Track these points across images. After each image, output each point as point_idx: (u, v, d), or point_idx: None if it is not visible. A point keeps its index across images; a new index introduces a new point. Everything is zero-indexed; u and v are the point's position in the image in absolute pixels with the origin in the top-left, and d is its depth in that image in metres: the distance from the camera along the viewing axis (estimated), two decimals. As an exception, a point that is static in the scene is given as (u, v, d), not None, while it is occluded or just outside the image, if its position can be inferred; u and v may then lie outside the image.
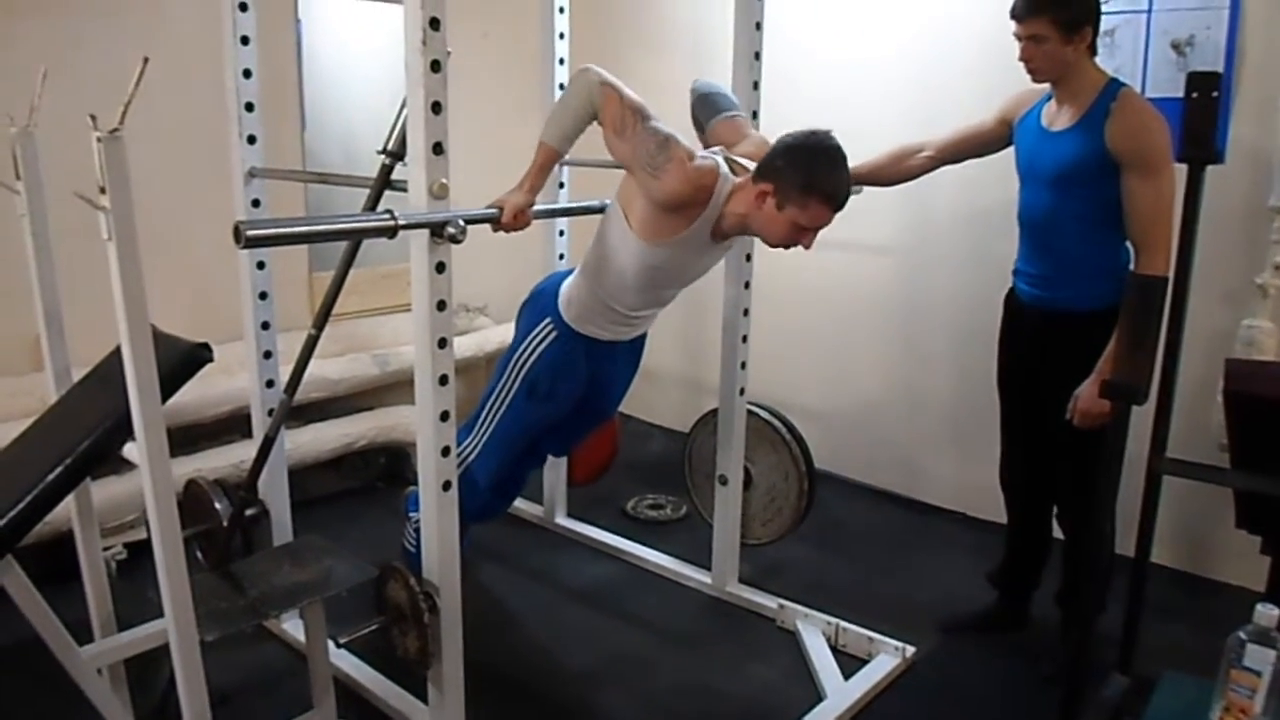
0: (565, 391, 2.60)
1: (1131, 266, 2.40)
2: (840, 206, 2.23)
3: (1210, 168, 2.01)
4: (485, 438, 2.61)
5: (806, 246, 2.28)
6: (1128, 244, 2.42)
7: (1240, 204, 2.95)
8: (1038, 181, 2.53)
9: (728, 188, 2.27)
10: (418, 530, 2.74)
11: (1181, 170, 2.04)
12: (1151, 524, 2.08)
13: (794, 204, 2.18)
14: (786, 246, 2.29)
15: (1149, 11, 3.05)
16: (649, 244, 2.31)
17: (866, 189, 3.11)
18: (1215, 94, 1.96)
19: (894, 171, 2.85)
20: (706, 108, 2.62)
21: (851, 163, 2.88)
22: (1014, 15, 2.41)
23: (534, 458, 2.88)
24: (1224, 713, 1.58)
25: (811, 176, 2.17)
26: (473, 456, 2.61)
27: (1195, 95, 1.97)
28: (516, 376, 2.57)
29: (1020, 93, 2.61)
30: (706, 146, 2.55)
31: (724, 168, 2.28)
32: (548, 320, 2.54)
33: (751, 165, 2.33)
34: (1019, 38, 2.41)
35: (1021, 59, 2.43)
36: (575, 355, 2.55)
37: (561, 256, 3.34)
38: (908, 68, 3.63)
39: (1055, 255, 2.55)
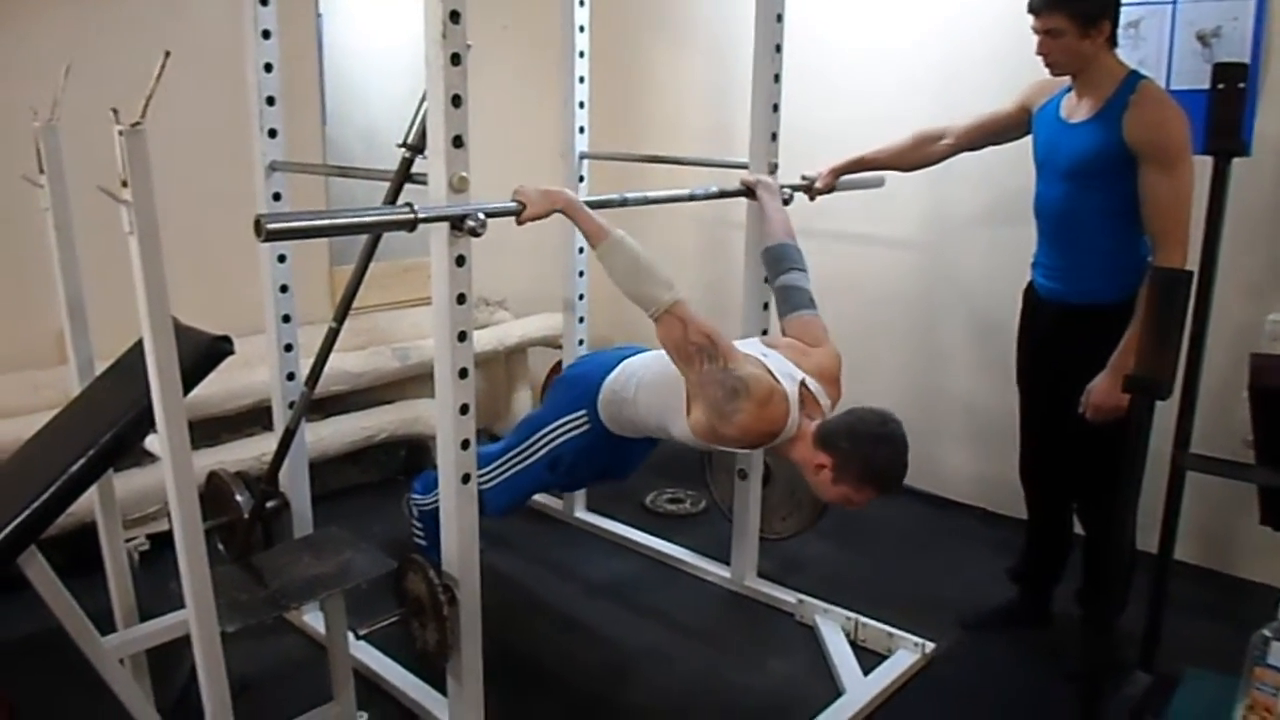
0: (585, 471, 2.65)
1: (1150, 260, 2.39)
2: (892, 493, 2.20)
3: (1236, 160, 1.99)
4: (500, 480, 2.61)
5: (850, 509, 2.27)
6: (1145, 237, 2.40)
7: (1266, 197, 2.92)
8: (1055, 173, 2.52)
9: (792, 433, 2.21)
10: (421, 518, 2.75)
11: (1207, 163, 2.02)
12: (1175, 520, 2.07)
13: (849, 485, 2.16)
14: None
15: (1174, 3, 3.02)
16: (701, 439, 2.29)
17: (889, 182, 3.10)
18: (1241, 85, 1.95)
19: (915, 157, 2.85)
20: (786, 302, 2.52)
21: (871, 149, 2.89)
22: (1031, 9, 2.39)
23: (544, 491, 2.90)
24: (1248, 711, 1.57)
25: (871, 468, 2.14)
26: (485, 488, 2.61)
27: (1221, 87, 1.96)
28: (541, 448, 2.56)
29: (1042, 81, 2.59)
30: (784, 333, 2.49)
31: (794, 409, 2.19)
32: (583, 413, 2.51)
33: (823, 395, 2.29)
34: (1036, 31, 2.40)
35: (1039, 53, 2.42)
36: (601, 445, 2.54)
37: (581, 250, 3.34)
38: (927, 58, 3.60)
39: (1072, 248, 2.54)
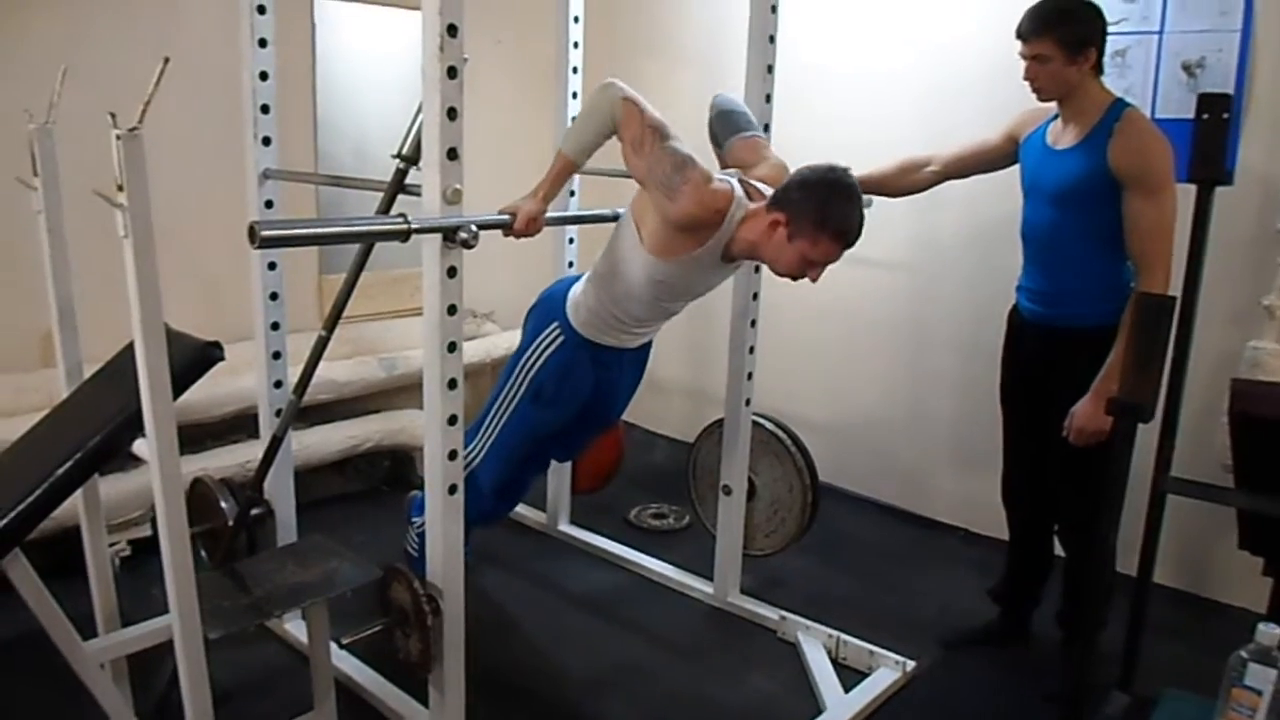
0: (570, 396, 2.60)
1: (1133, 285, 2.42)
2: (850, 244, 2.23)
3: (1219, 189, 2.02)
4: (490, 442, 2.61)
5: (813, 279, 2.28)
6: (1129, 263, 2.43)
7: (1248, 226, 2.96)
8: (1041, 198, 2.55)
9: (741, 212, 2.27)
10: (420, 535, 2.74)
11: (1190, 191, 2.05)
12: (1155, 542, 2.09)
13: (805, 237, 2.19)
14: (794, 278, 2.29)
15: (1160, 33, 3.06)
16: (658, 259, 2.32)
17: (875, 203, 3.13)
18: (1225, 115, 1.98)
19: (900, 183, 2.88)
20: (725, 125, 2.61)
21: (858, 172, 2.91)
22: (1019, 35, 2.43)
23: (538, 463, 2.88)
24: (1224, 732, 1.58)
25: (825, 212, 2.17)
26: (477, 461, 2.62)
27: (1206, 116, 1.99)
28: (522, 381, 2.57)
29: (1028, 111, 2.63)
30: (724, 165, 2.56)
31: (739, 191, 2.28)
32: (555, 325, 2.55)
33: (767, 190, 2.33)
34: (1024, 57, 2.43)
35: (1026, 78, 2.45)
36: (581, 360, 2.55)
37: (571, 264, 3.36)
38: (917, 84, 3.64)
39: (1057, 272, 2.57)
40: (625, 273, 2.40)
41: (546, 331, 2.56)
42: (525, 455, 2.69)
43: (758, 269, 2.87)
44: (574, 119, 2.33)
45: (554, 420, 2.63)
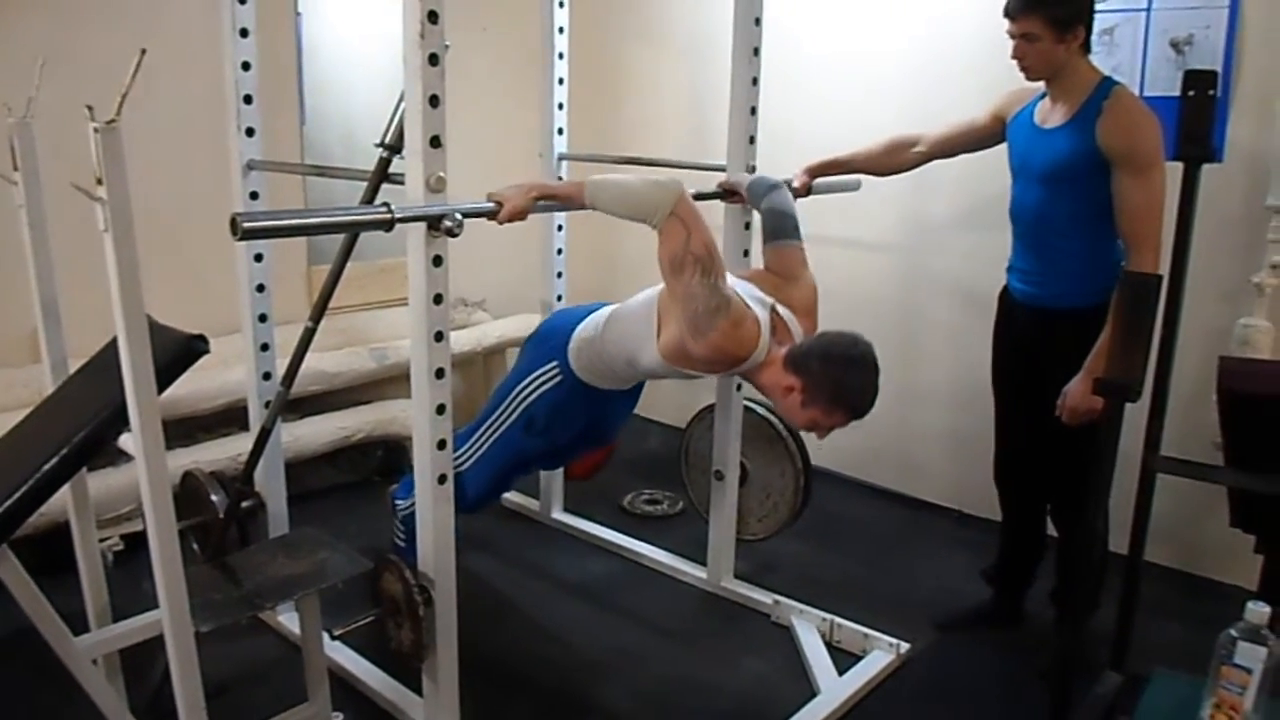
0: (561, 430, 2.60)
1: (1123, 264, 2.41)
2: (862, 416, 2.21)
3: (1207, 167, 2.01)
4: (478, 455, 2.61)
5: (819, 439, 2.28)
6: (1119, 242, 2.43)
7: (1237, 203, 2.96)
8: (1030, 178, 2.54)
9: (763, 356, 2.22)
10: (405, 519, 2.75)
11: (1178, 169, 2.04)
12: (1145, 522, 2.09)
13: (819, 407, 2.18)
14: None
15: (1148, 10, 3.05)
16: (669, 364, 2.30)
17: (864, 186, 3.12)
18: (1212, 92, 1.97)
19: (888, 162, 2.88)
20: (772, 226, 2.54)
21: (845, 151, 2.91)
22: (1007, 13, 2.42)
23: (524, 473, 2.88)
24: (1215, 710, 1.58)
25: (842, 389, 2.16)
26: (464, 467, 2.61)
27: (1192, 94, 1.98)
28: (515, 409, 2.55)
29: (1015, 90, 2.62)
30: (765, 262, 2.51)
31: (765, 335, 2.21)
32: (554, 364, 2.51)
33: (794, 324, 2.30)
34: (1012, 35, 2.42)
35: (1014, 57, 2.44)
36: (576, 400, 2.53)
37: (560, 251, 3.35)
38: (905, 65, 3.63)
39: (1047, 252, 2.56)
40: (632, 349, 2.37)
41: (545, 368, 2.53)
42: (510, 470, 2.69)
43: (746, 253, 2.86)
44: (623, 175, 2.20)
45: (543, 446, 2.63)
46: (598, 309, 2.55)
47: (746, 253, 2.87)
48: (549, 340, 2.58)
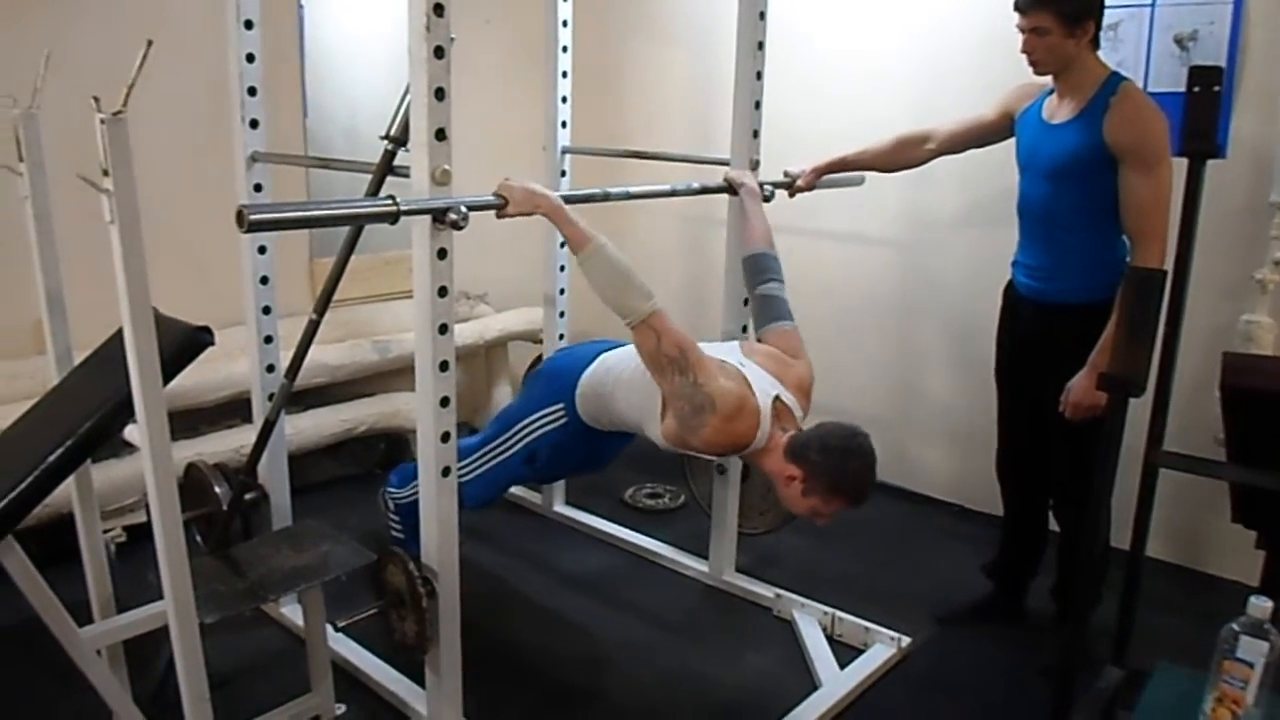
0: (561, 465, 2.66)
1: (1129, 259, 2.41)
2: (860, 504, 2.23)
3: (1211, 162, 2.01)
4: (478, 472, 2.61)
5: (819, 525, 2.29)
6: (1125, 238, 2.43)
7: (1241, 199, 2.96)
8: (1037, 173, 2.54)
9: (761, 444, 2.23)
10: (399, 510, 2.75)
11: (1182, 164, 2.04)
12: (1147, 517, 2.09)
13: (819, 496, 2.19)
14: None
15: (1153, 6, 3.05)
16: (672, 445, 2.30)
17: (869, 181, 3.12)
18: (1216, 88, 1.96)
19: (897, 159, 2.88)
20: (764, 311, 2.54)
21: (855, 149, 2.91)
22: (1017, 7, 2.42)
23: (520, 484, 2.88)
24: (1216, 704, 1.59)
25: (840, 479, 2.17)
26: (463, 480, 2.60)
27: (1197, 89, 1.97)
28: (518, 441, 2.56)
29: (1022, 85, 2.62)
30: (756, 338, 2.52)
31: (765, 422, 2.21)
32: (560, 406, 2.51)
33: (796, 408, 2.31)
34: (1022, 30, 2.42)
35: (1024, 51, 2.44)
36: (578, 440, 2.54)
37: (563, 244, 3.34)
38: (911, 59, 3.62)
39: (1053, 247, 2.56)
40: (641, 421, 2.37)
41: (551, 409, 2.52)
42: (507, 485, 2.74)
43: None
44: (623, 261, 2.15)
45: (542, 477, 2.70)
46: (605, 350, 2.53)
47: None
48: (555, 381, 2.57)
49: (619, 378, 2.42)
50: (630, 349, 2.45)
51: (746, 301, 2.89)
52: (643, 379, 2.30)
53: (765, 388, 2.25)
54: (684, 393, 2.13)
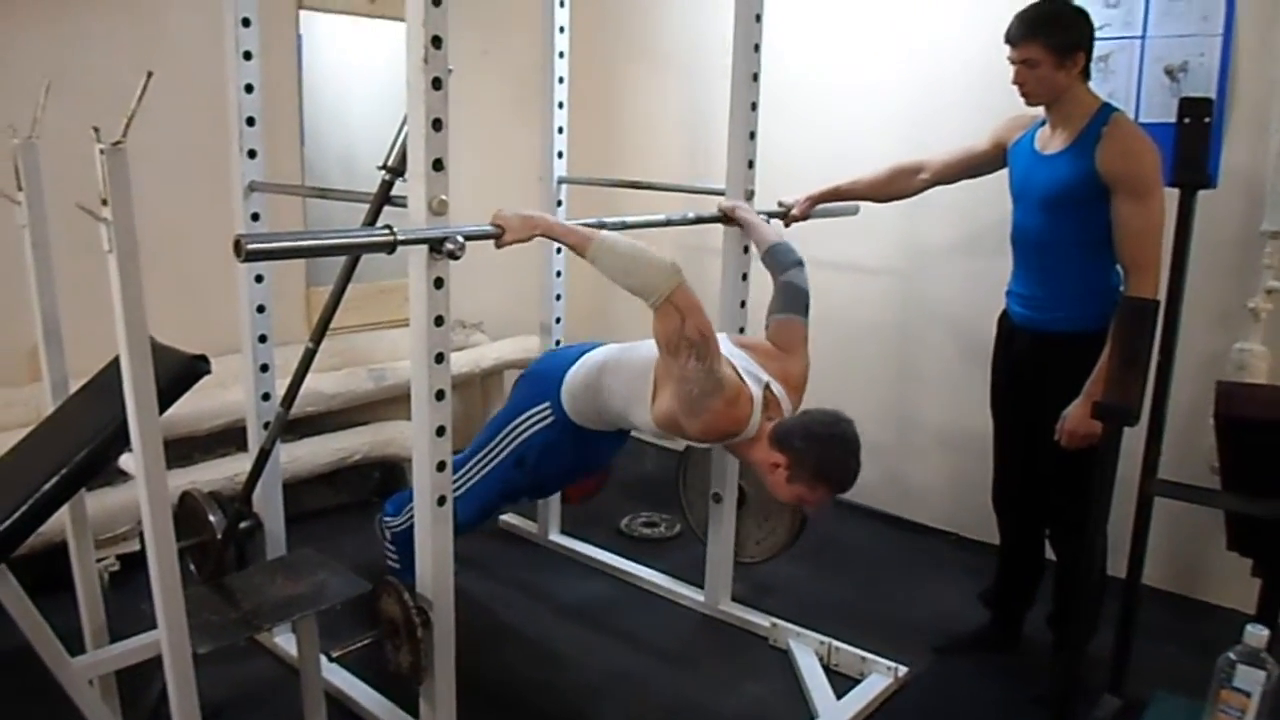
0: (551, 467, 2.62)
1: (1122, 289, 2.43)
2: (845, 491, 2.25)
3: (1203, 193, 2.03)
4: (469, 485, 2.62)
5: (808, 513, 2.32)
6: (1118, 267, 2.45)
7: (1232, 228, 2.98)
8: (1030, 203, 2.56)
9: (751, 434, 2.26)
10: (395, 539, 2.74)
11: (1174, 195, 2.06)
12: (1143, 545, 2.10)
13: (803, 483, 2.21)
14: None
15: (1143, 37, 3.08)
16: (660, 429, 2.32)
17: (863, 210, 3.14)
18: (1207, 119, 1.99)
19: (891, 189, 2.91)
20: (781, 296, 2.57)
21: (848, 179, 2.93)
22: (1008, 39, 2.44)
23: (512, 503, 2.88)
24: (1214, 733, 1.59)
25: (825, 466, 2.19)
26: (457, 494, 2.60)
27: (1187, 120, 2.00)
28: (507, 446, 2.57)
29: (1015, 117, 2.65)
30: (767, 331, 2.55)
31: (757, 410, 2.24)
32: (547, 405, 2.53)
33: (785, 400, 2.34)
34: (1013, 61, 2.45)
35: (1015, 82, 2.47)
36: (566, 440, 2.55)
37: (559, 274, 3.36)
38: (903, 91, 3.65)
39: (1047, 277, 2.58)
40: (628, 410, 2.39)
41: (538, 409, 2.54)
42: (500, 499, 2.72)
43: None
44: (628, 243, 2.19)
45: (532, 481, 2.65)
46: (591, 349, 2.56)
47: (745, 276, 2.87)
48: (542, 380, 2.59)
49: (604, 366, 2.45)
50: (616, 346, 2.50)
51: (742, 329, 2.90)
52: (631, 366, 2.34)
53: (755, 374, 2.29)
54: (696, 376, 2.14)
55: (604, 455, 2.76)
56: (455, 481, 2.58)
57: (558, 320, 3.43)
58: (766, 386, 2.29)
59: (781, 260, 2.64)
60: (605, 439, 2.62)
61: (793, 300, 2.57)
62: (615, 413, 2.43)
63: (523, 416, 2.55)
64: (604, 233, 2.20)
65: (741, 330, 2.88)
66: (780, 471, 2.21)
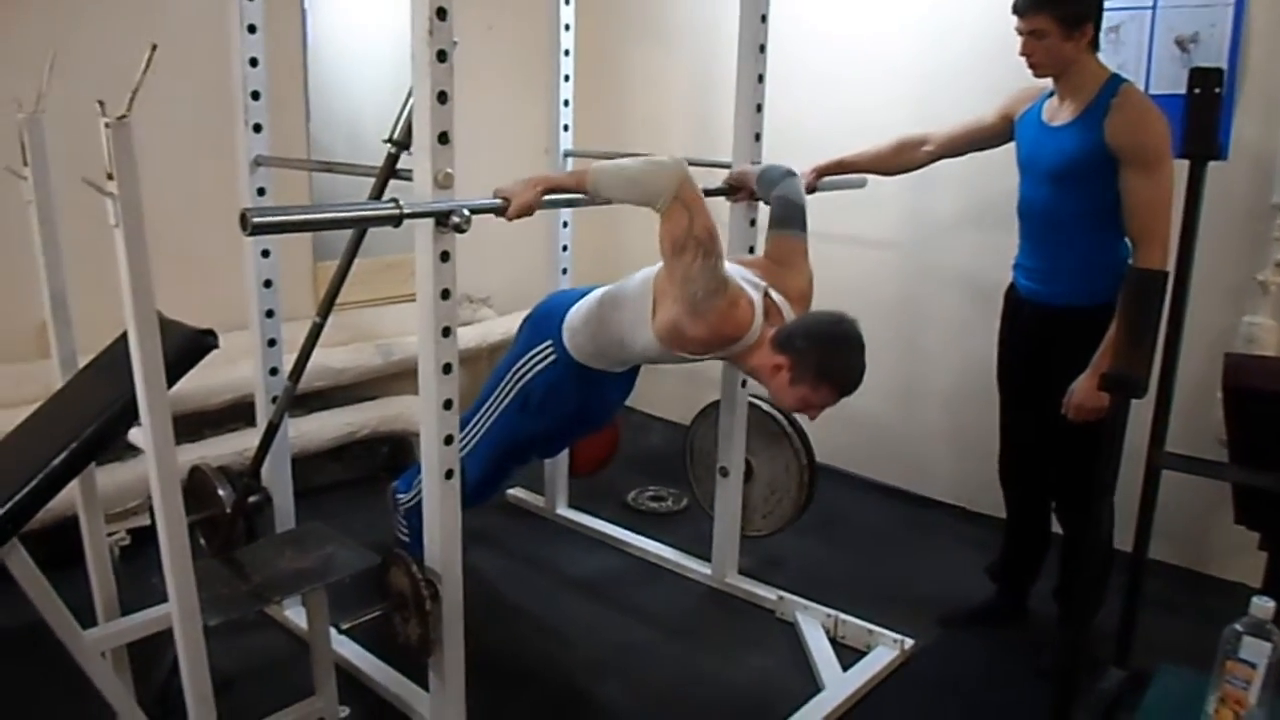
0: (556, 409, 2.61)
1: (1130, 261, 2.41)
2: (849, 394, 2.23)
3: (1213, 164, 2.02)
4: (477, 437, 2.63)
5: (810, 419, 2.31)
6: (1127, 240, 2.43)
7: (1242, 201, 2.96)
8: (1037, 176, 2.54)
9: (754, 338, 2.25)
10: (407, 515, 2.76)
11: (1183, 166, 2.05)
12: (1150, 518, 2.09)
13: (806, 385, 2.20)
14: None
15: (1154, 8, 3.05)
16: (662, 346, 2.31)
17: (869, 183, 3.13)
18: (1218, 90, 1.97)
19: (897, 162, 2.89)
20: (779, 213, 2.56)
21: (855, 151, 2.92)
22: (1015, 10, 2.42)
23: (521, 460, 2.87)
24: (1219, 704, 1.59)
25: (828, 365, 2.18)
26: (464, 451, 2.62)
27: (1198, 91, 1.98)
28: (512, 388, 2.57)
29: (1022, 89, 2.62)
30: (766, 250, 2.54)
31: (758, 317, 2.24)
32: (549, 343, 2.54)
33: (787, 309, 2.33)
34: (1020, 32, 2.42)
35: (1022, 53, 2.44)
36: (569, 379, 2.55)
37: (565, 248, 3.36)
38: (911, 62, 3.63)
39: (1054, 250, 2.57)
40: (625, 332, 2.39)
41: (540, 347, 2.55)
42: (509, 453, 2.70)
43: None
44: (625, 160, 2.22)
45: (539, 427, 2.64)
46: (593, 290, 2.57)
47: (751, 249, 2.87)
48: (545, 320, 2.61)
49: (602, 299, 2.47)
50: (617, 286, 2.49)
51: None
52: (629, 288, 2.36)
53: (752, 281, 2.29)
54: (700, 274, 2.13)
55: (609, 403, 2.75)
56: (465, 436, 2.59)
57: (564, 294, 3.43)
58: (765, 293, 2.29)
59: (771, 177, 2.64)
60: (608, 383, 2.62)
61: (789, 214, 2.55)
62: (616, 342, 2.43)
63: (526, 357, 2.57)
64: (597, 163, 2.22)
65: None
66: (783, 374, 2.20)
